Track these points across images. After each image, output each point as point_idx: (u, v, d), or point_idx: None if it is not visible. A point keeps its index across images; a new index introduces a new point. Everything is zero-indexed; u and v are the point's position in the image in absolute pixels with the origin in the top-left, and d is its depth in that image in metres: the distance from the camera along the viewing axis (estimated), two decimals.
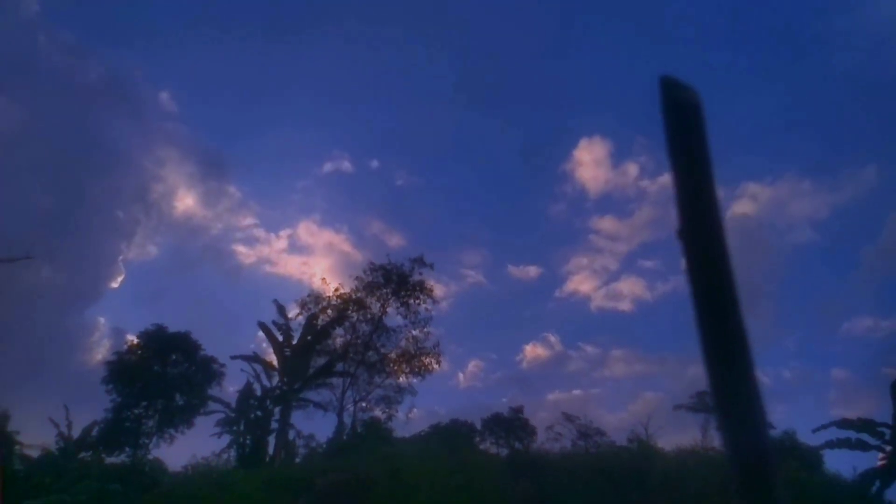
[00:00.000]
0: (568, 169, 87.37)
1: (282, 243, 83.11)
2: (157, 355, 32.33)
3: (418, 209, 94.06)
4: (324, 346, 40.05)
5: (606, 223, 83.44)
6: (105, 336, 66.11)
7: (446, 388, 63.43)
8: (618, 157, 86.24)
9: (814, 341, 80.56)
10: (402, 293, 40.11)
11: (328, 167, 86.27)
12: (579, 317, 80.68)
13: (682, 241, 0.96)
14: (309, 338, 39.14)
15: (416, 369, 40.86)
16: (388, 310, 40.62)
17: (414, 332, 40.80)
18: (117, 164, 78.14)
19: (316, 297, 41.22)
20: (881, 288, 75.14)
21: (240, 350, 39.06)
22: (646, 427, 32.48)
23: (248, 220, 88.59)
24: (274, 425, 36.60)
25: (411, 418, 41.20)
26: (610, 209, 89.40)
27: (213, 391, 34.82)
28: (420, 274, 40.20)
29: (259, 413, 36.61)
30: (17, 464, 29.79)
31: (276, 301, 40.36)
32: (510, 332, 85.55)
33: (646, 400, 62.04)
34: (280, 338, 39.21)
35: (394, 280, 40.04)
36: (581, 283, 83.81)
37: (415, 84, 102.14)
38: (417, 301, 40.20)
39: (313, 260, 78.24)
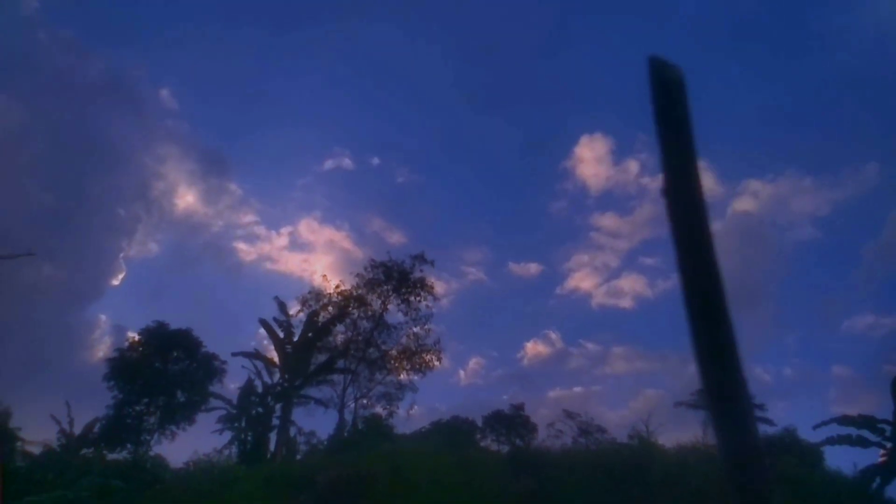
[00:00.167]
0: (569, 166, 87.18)
1: (283, 240, 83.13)
2: (158, 352, 32.42)
3: (419, 206, 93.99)
4: (325, 343, 40.13)
5: (607, 220, 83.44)
6: (106, 333, 66.36)
7: (447, 385, 63.60)
8: (619, 154, 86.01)
9: (814, 338, 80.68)
10: (403, 290, 40.18)
11: (329, 164, 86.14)
12: (580, 314, 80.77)
13: (665, 198, 1.10)
14: (310, 335, 39.20)
15: (417, 366, 41.00)
16: (388, 307, 40.76)
17: (415, 329, 40.97)
18: (118, 162, 78.08)
19: (317, 294, 41.37)
20: (882, 285, 75.26)
21: (241, 347, 39.11)
22: (646, 424, 32.48)
23: (249, 218, 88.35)
24: (275, 422, 36.72)
25: (412, 415, 41.39)
26: (611, 206, 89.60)
27: (215, 388, 35.00)
28: (421, 271, 40.34)
29: (260, 410, 36.71)
30: (19, 460, 29.87)
31: (277, 298, 40.49)
32: (511, 330, 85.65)
33: (646, 397, 62.18)
34: (281, 335, 39.28)
35: (395, 277, 40.10)
36: (582, 281, 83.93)
37: (416, 81, 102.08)
38: (418, 298, 40.31)
39: (314, 257, 78.23)
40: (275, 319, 39.60)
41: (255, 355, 38.68)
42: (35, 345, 54.84)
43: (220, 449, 35.96)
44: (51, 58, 73.49)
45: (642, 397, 65.44)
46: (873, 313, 72.75)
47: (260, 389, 37.68)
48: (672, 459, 25.60)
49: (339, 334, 41.08)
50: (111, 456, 31.80)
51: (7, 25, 67.79)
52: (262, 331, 39.90)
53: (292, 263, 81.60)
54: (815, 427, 26.86)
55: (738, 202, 77.50)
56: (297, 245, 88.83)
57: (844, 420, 26.39)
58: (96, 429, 33.38)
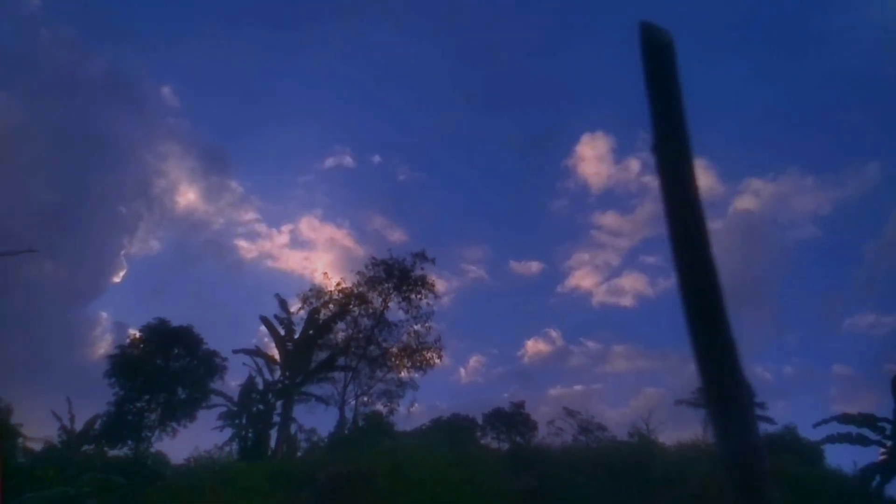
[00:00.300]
0: (570, 164, 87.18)
1: (283, 238, 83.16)
2: (159, 349, 32.45)
3: (420, 204, 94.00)
4: (325, 341, 40.16)
5: (608, 219, 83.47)
6: (107, 330, 66.37)
7: (448, 383, 63.49)
8: (620, 152, 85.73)
9: (815, 337, 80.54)
10: (404, 288, 40.19)
11: (330, 162, 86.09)
12: (581, 312, 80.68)
13: (655, 154, 1.16)
14: (311, 332, 39.22)
15: (418, 364, 41.01)
16: (389, 304, 40.78)
17: (415, 327, 40.98)
18: (119, 159, 78.11)
19: (318, 292, 41.37)
20: (883, 284, 75.07)
21: (242, 344, 39.15)
22: (647, 422, 32.58)
23: (250, 215, 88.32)
24: (276, 419, 36.76)
25: (413, 413, 41.42)
26: (612, 205, 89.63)
27: (216, 385, 34.98)
28: (422, 269, 40.33)
29: (261, 407, 36.75)
30: (20, 457, 29.91)
31: (277, 295, 40.46)
32: (512, 328, 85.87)
33: (647, 395, 62.17)
34: (282, 332, 39.29)
35: (395, 275, 40.11)
36: (583, 279, 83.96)
37: (417, 79, 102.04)
38: (419, 296, 40.32)
39: (315, 255, 78.26)
40: (276, 317, 39.66)
41: (256, 352, 38.72)
42: (36, 342, 55.00)
43: (220, 446, 36.09)
44: (52, 56, 73.59)
45: (643, 395, 65.54)
46: (874, 312, 72.68)
47: (261, 386, 37.72)
48: (672, 458, 25.66)
49: (340, 332, 41.15)
50: (112, 452, 31.88)
51: (8, 23, 67.84)
52: (263, 328, 39.99)
53: (293, 261, 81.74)
54: (816, 425, 26.91)
55: (739, 201, 77.53)
56: (298, 243, 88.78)
57: (845, 418, 26.39)
58: (97, 425, 33.40)
